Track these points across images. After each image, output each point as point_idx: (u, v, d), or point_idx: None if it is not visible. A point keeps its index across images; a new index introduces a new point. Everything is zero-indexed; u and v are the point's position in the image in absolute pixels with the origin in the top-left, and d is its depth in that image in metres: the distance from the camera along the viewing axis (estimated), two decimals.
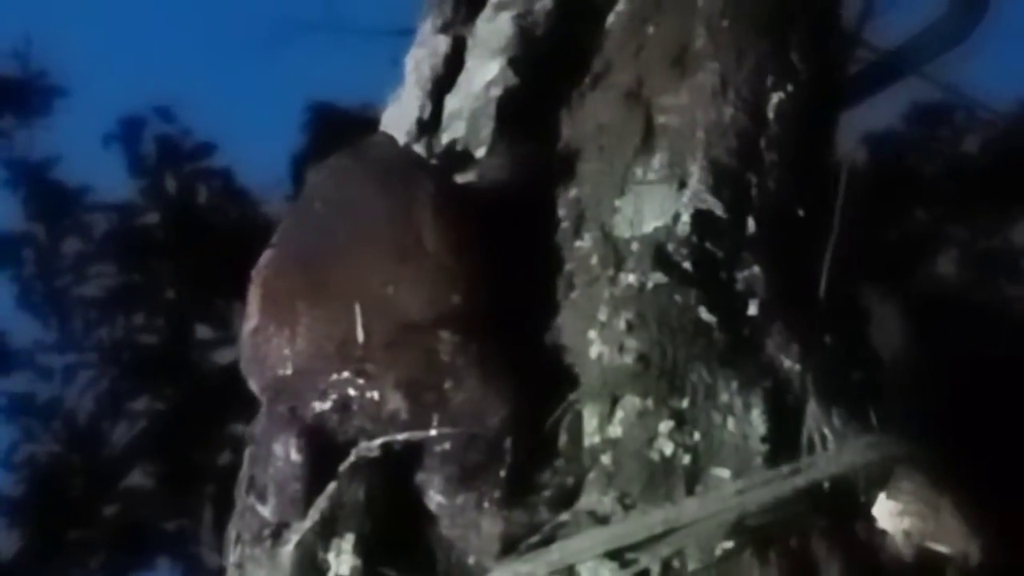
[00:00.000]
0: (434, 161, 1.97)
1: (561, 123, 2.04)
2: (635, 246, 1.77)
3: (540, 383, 1.64)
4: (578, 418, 1.61)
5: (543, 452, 1.58)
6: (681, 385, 1.61)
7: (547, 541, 1.49)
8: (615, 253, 1.76)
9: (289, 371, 1.62)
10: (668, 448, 1.56)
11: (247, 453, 1.90)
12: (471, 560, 1.51)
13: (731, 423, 1.60)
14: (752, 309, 1.73)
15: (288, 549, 1.55)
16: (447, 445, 1.53)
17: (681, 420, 1.58)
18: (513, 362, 1.63)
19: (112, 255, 6.84)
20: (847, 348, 1.85)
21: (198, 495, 6.77)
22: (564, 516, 1.50)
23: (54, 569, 6.55)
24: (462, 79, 2.17)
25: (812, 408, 1.66)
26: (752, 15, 2.08)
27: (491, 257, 1.71)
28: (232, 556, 1.79)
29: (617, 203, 1.84)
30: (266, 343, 1.65)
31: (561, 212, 1.87)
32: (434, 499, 1.53)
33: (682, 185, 1.85)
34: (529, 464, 1.56)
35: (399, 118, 2.22)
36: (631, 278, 1.70)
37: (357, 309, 1.60)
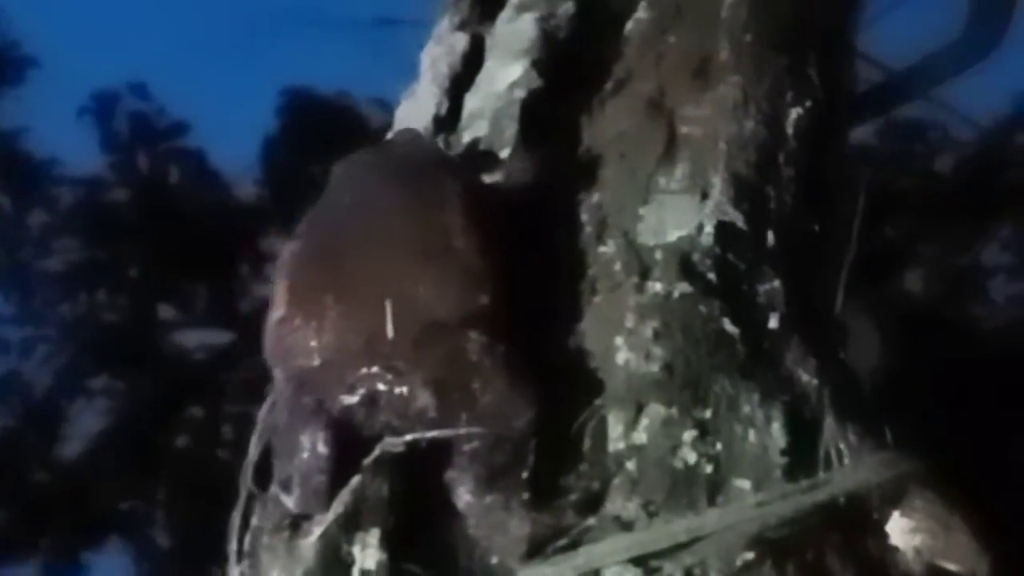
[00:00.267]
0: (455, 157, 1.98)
1: (581, 128, 2.06)
2: (659, 254, 1.79)
3: (563, 386, 1.65)
4: (602, 423, 1.62)
5: (568, 455, 1.60)
6: (704, 395, 1.63)
7: (573, 545, 1.50)
8: (639, 261, 1.78)
9: (315, 363, 1.62)
10: (691, 457, 1.58)
11: (254, 439, 1.90)
12: (495, 560, 1.52)
13: (752, 435, 1.62)
14: (772, 322, 1.76)
15: (310, 541, 1.56)
16: (476, 444, 1.54)
17: (704, 430, 1.60)
18: (537, 365, 1.64)
19: (78, 230, 6.79)
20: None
21: (153, 476, 6.74)
22: (591, 521, 1.51)
23: (1, 546, 6.49)
24: (482, 78, 2.18)
25: (829, 423, 1.69)
26: (774, 30, 2.10)
27: (516, 259, 1.72)
28: (233, 544, 1.79)
29: (640, 211, 1.86)
30: (292, 334, 1.65)
31: (583, 217, 1.88)
32: (463, 497, 1.53)
33: (704, 196, 1.87)
34: (554, 467, 1.57)
35: (414, 114, 2.22)
36: (657, 286, 1.72)
37: (388, 305, 1.60)
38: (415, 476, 1.58)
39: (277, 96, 6.98)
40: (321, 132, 6.94)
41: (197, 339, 6.90)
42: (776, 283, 1.80)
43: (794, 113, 2.04)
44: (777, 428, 1.64)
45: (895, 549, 1.63)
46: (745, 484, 1.58)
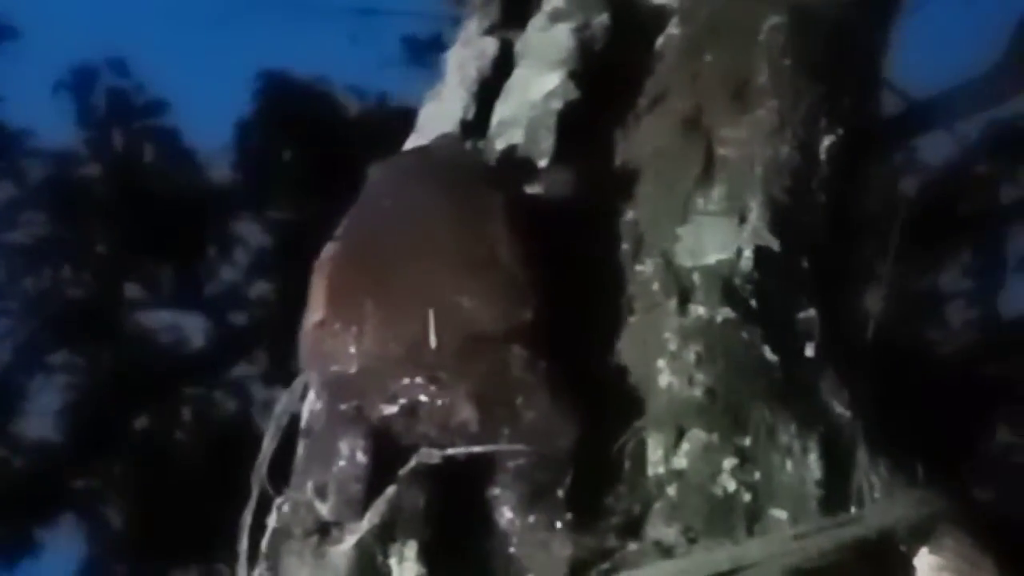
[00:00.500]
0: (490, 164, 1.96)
1: (616, 143, 2.04)
2: (697, 277, 1.78)
3: (603, 405, 1.64)
4: (642, 445, 1.61)
5: (608, 477, 1.58)
6: (744, 422, 1.62)
7: (614, 569, 1.49)
8: (678, 282, 1.77)
9: (354, 369, 1.60)
10: (731, 485, 1.57)
11: (267, 437, 1.88)
12: None
13: (789, 465, 1.62)
14: (808, 351, 1.75)
15: (342, 549, 1.53)
16: (520, 462, 1.52)
17: (744, 458, 1.60)
18: (578, 382, 1.62)
19: (46, 204, 6.69)
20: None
21: (110, 457, 6.67)
22: (633, 546, 1.50)
23: None
24: (514, 85, 2.16)
25: (861, 456, 1.69)
26: (811, 57, 2.10)
27: (556, 273, 1.70)
28: (243, 544, 1.77)
29: (678, 231, 1.85)
30: (331, 338, 1.62)
31: (620, 233, 1.87)
32: (505, 515, 1.52)
33: (742, 219, 1.86)
34: (595, 488, 1.56)
35: (439, 117, 2.20)
36: (700, 310, 1.71)
37: (431, 315, 1.58)
38: (453, 490, 1.56)
39: (254, 79, 6.91)
40: (297, 118, 6.90)
41: (162, 320, 6.83)
42: (812, 311, 1.79)
43: (827, 140, 2.04)
44: (813, 459, 1.63)
45: None
46: (782, 515, 1.57)
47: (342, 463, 1.55)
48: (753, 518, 1.56)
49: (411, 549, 1.50)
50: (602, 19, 2.19)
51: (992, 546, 1.67)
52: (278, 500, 1.72)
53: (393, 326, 1.61)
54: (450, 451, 1.53)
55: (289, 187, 6.87)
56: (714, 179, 1.92)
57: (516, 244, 1.67)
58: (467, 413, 1.55)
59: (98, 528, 6.52)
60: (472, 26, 2.35)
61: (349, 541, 1.53)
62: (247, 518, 1.79)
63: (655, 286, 1.78)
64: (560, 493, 1.55)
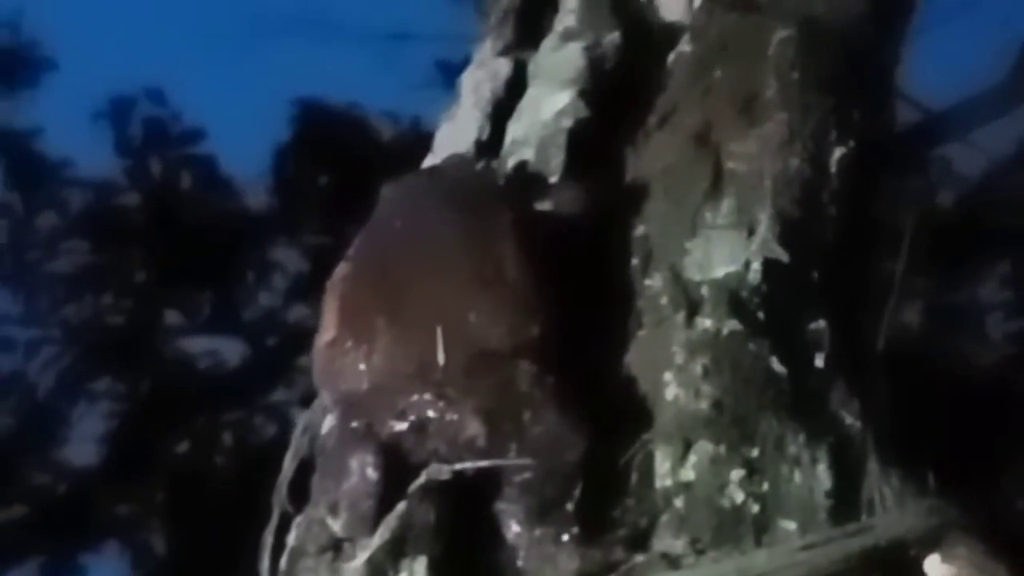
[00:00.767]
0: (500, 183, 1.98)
1: (626, 160, 2.06)
2: (705, 290, 1.79)
3: (611, 419, 1.65)
4: (649, 458, 1.62)
5: (615, 490, 1.60)
6: (752, 434, 1.63)
7: None
8: (686, 296, 1.78)
9: (364, 387, 1.62)
10: (739, 496, 1.58)
11: (288, 457, 1.91)
12: None
13: (798, 475, 1.62)
14: (818, 362, 1.76)
15: (354, 565, 1.55)
16: (527, 476, 1.54)
17: (752, 469, 1.60)
18: (586, 397, 1.64)
19: (87, 233, 6.78)
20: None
21: (152, 482, 6.73)
22: (640, 558, 1.51)
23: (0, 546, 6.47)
24: (526, 105, 2.19)
25: (872, 466, 1.69)
26: (820, 70, 2.11)
27: (566, 290, 1.72)
28: (265, 563, 1.79)
29: (686, 245, 1.86)
30: (342, 357, 1.65)
31: (629, 249, 1.88)
32: (512, 529, 1.53)
33: (751, 232, 1.87)
34: (602, 501, 1.57)
35: (454, 138, 2.23)
36: (707, 323, 1.72)
37: (439, 332, 1.61)
38: (463, 505, 1.58)
39: (289, 106, 6.98)
40: (332, 144, 6.96)
41: (201, 346, 6.90)
42: (822, 322, 1.80)
43: (837, 152, 2.05)
44: (823, 469, 1.64)
45: None
46: (791, 525, 1.58)
47: (353, 480, 1.57)
48: (761, 529, 1.57)
49: (420, 564, 1.52)
50: (613, 38, 2.21)
51: (1009, 555, 1.67)
52: (297, 519, 1.75)
53: (402, 344, 1.63)
54: (458, 466, 1.55)
55: (325, 212, 6.92)
56: (723, 193, 1.93)
57: (524, 261, 1.69)
58: (475, 428, 1.57)
59: (141, 553, 6.57)
60: (487, 47, 2.38)
61: (361, 557, 1.55)
62: (268, 537, 1.82)
63: (663, 300, 1.79)
64: (569, 507, 1.57)
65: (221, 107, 7.06)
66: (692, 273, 1.82)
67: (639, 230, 1.93)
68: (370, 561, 1.53)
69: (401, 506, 1.57)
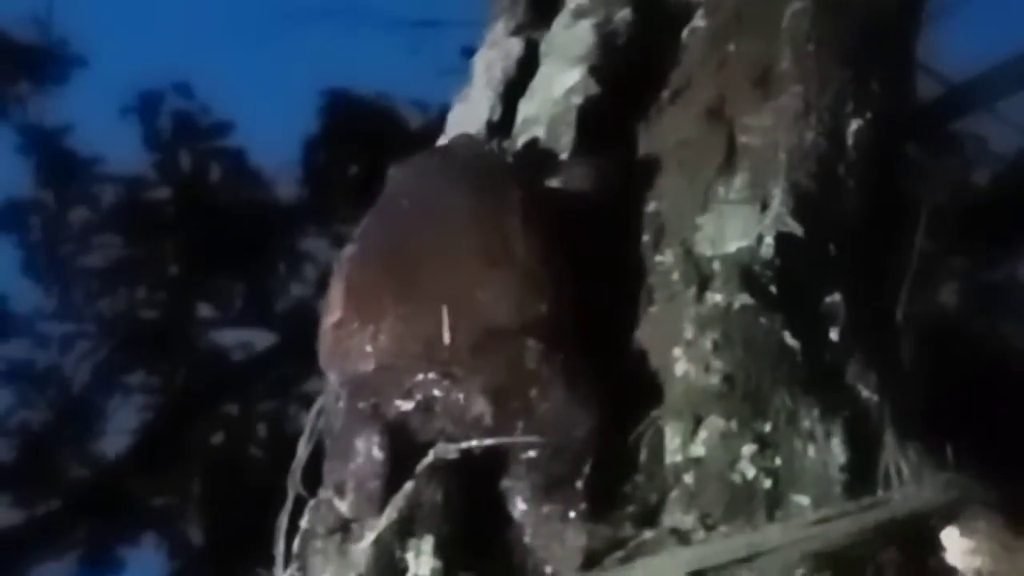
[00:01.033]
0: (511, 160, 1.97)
1: (639, 136, 2.04)
2: (717, 265, 1.77)
3: (621, 396, 1.63)
4: (659, 434, 1.60)
5: (624, 466, 1.58)
6: (764, 409, 1.61)
7: (630, 557, 1.48)
8: (697, 271, 1.76)
9: (372, 367, 1.61)
10: (750, 472, 1.56)
11: (303, 441, 1.90)
12: (550, 570, 1.51)
13: (811, 450, 1.60)
14: (833, 335, 1.73)
15: (362, 546, 1.54)
16: (533, 453, 1.53)
17: (764, 444, 1.58)
18: (596, 373, 1.62)
19: (119, 227, 6.81)
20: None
21: (187, 473, 6.76)
22: (648, 533, 1.49)
23: (39, 539, 6.53)
24: (537, 84, 2.17)
25: (889, 440, 1.66)
26: (836, 41, 2.08)
27: (575, 266, 1.70)
28: (280, 547, 1.78)
29: (698, 220, 1.84)
30: (349, 338, 1.64)
31: (641, 225, 1.86)
32: (519, 507, 1.52)
33: (764, 207, 1.85)
34: (611, 478, 1.56)
35: (467, 118, 2.21)
36: (718, 297, 1.70)
37: (445, 311, 1.59)
38: (470, 483, 1.56)
39: (317, 96, 6.98)
40: (361, 133, 6.96)
41: (234, 337, 6.92)
42: (837, 296, 1.77)
43: (855, 124, 2.01)
44: (837, 444, 1.61)
45: (954, 570, 1.60)
46: (804, 500, 1.55)
47: (360, 460, 1.56)
48: (774, 504, 1.55)
49: (427, 543, 1.51)
50: (624, 14, 2.19)
51: None
52: (311, 502, 1.74)
53: (409, 323, 1.62)
54: (464, 444, 1.54)
55: (355, 201, 6.92)
56: (736, 167, 1.90)
57: (532, 238, 1.67)
58: (481, 407, 1.55)
59: (178, 544, 6.61)
60: (499, 27, 2.36)
61: (369, 538, 1.54)
62: (283, 521, 1.81)
63: (675, 276, 1.77)
64: (578, 484, 1.55)
65: (249, 98, 7.06)
66: (704, 248, 1.80)
67: (651, 206, 1.90)
68: (377, 541, 1.52)
69: (408, 486, 1.55)
